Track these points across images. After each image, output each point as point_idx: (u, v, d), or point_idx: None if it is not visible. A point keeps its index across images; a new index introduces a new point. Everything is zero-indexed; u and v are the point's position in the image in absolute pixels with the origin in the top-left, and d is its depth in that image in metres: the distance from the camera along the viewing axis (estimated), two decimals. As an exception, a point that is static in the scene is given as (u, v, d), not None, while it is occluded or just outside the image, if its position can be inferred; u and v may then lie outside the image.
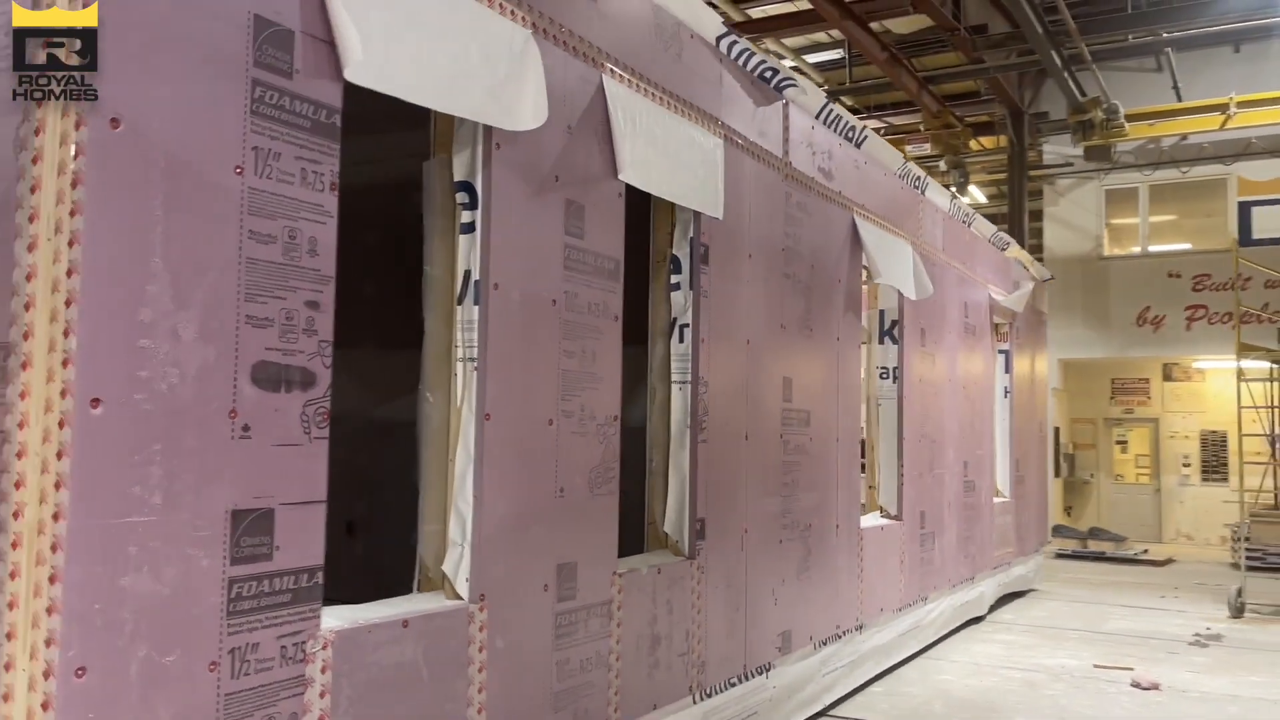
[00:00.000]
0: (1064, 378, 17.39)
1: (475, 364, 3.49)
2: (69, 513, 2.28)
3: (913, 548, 7.44)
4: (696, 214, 4.69)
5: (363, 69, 2.89)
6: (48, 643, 2.26)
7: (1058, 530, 14.97)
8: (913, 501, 7.40)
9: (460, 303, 3.53)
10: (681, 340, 4.71)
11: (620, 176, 4.09)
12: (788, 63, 15.30)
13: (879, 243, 6.62)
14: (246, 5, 2.68)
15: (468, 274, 3.52)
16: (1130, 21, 14.04)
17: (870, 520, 6.95)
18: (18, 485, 2.32)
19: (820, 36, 15.34)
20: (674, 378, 4.72)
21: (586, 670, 3.92)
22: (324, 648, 2.85)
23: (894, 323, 7.30)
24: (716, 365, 4.84)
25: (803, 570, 5.67)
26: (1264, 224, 15.74)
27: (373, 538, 5.72)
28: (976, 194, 19.09)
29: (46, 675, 2.25)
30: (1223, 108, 14.60)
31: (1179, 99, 15.48)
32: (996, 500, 9.85)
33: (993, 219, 11.57)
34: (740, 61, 5.00)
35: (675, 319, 4.73)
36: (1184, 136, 15.69)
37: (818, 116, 5.89)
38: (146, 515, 2.42)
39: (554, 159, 3.79)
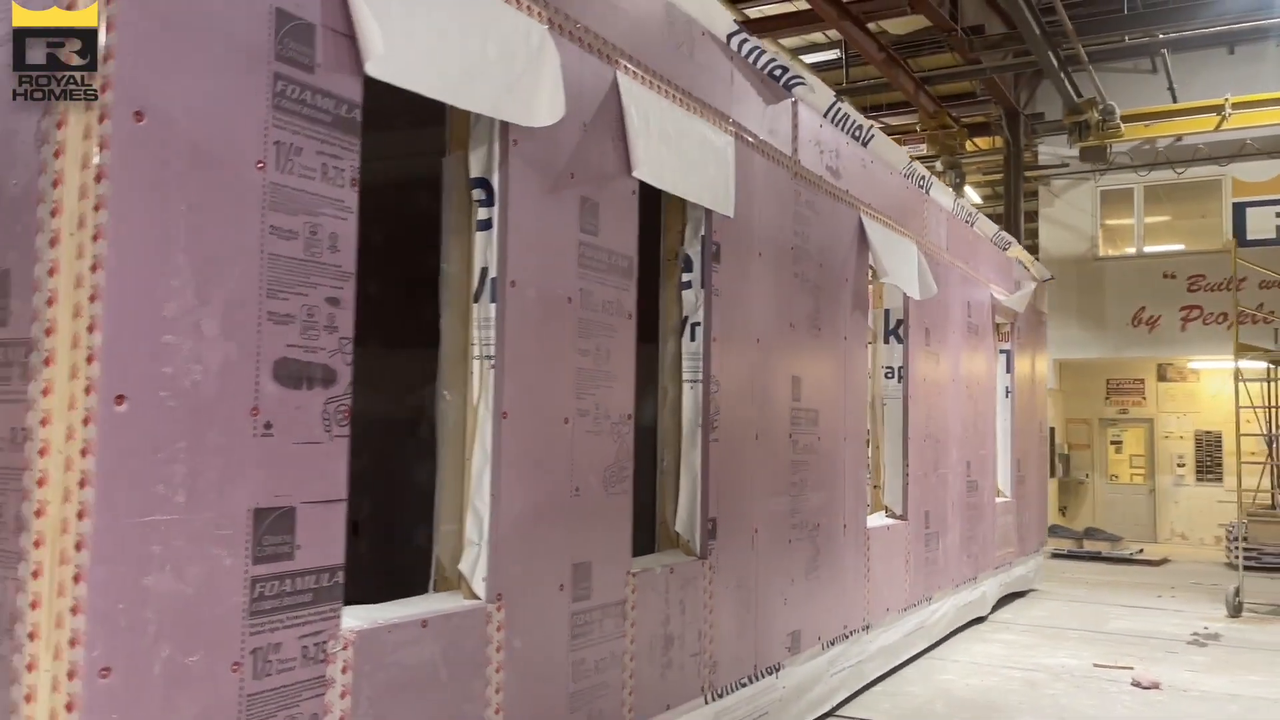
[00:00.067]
0: (1059, 378, 17.42)
1: (492, 362, 3.46)
2: (94, 511, 2.24)
3: (917, 548, 7.43)
4: (708, 212, 4.67)
5: (384, 63, 2.86)
6: (72, 643, 2.22)
7: (1053, 530, 14.99)
8: (917, 501, 7.39)
9: (477, 300, 3.51)
10: (693, 339, 4.69)
11: (635, 174, 4.07)
12: (785, 63, 15.25)
13: (885, 242, 6.62)
14: (269, -1, 2.65)
15: (484, 271, 3.49)
16: (1127, 22, 14.07)
17: (876, 520, 6.94)
18: (40, 483, 2.29)
19: (817, 37, 15.34)
20: (685, 377, 4.70)
21: (601, 670, 3.90)
22: (344, 648, 2.82)
23: (899, 322, 7.30)
24: (727, 364, 4.82)
25: (811, 570, 5.66)
26: (1258, 225, 15.81)
27: (376, 537, 5.70)
28: (972, 195, 19.13)
29: (71, 676, 2.22)
30: (1218, 109, 14.64)
31: (1174, 100, 15.52)
32: (998, 500, 9.86)
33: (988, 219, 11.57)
34: (750, 59, 4.99)
35: (686, 317, 4.71)
36: (1179, 138, 15.73)
37: (826, 115, 5.89)
38: (170, 514, 2.39)
39: (569, 155, 3.77)
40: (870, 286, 6.98)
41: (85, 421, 2.26)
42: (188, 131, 2.45)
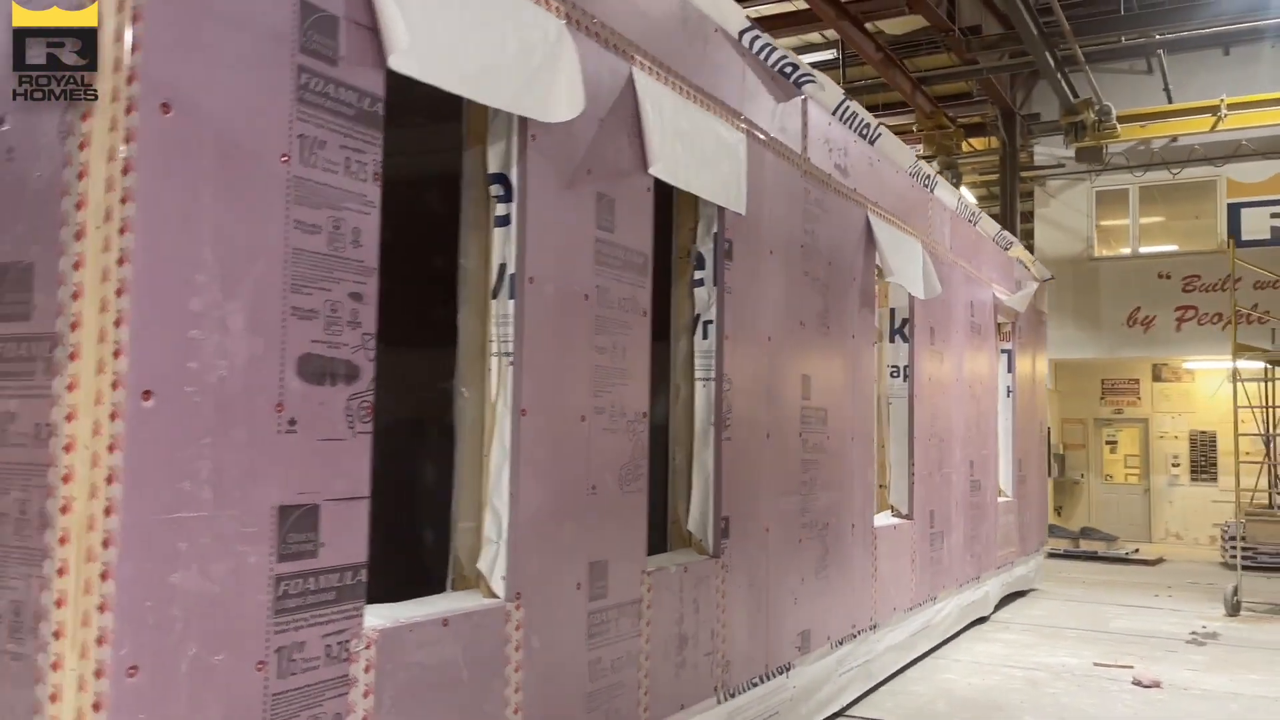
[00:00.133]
0: (1054, 378, 17.45)
1: (511, 359, 3.43)
2: (122, 507, 2.21)
3: (923, 547, 7.43)
4: (720, 209, 4.65)
5: (406, 57, 2.84)
6: (99, 641, 2.19)
7: (1050, 530, 15.00)
8: (923, 501, 7.39)
9: (495, 296, 3.48)
10: (705, 337, 4.67)
11: (650, 170, 4.05)
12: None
13: (891, 241, 6.61)
14: (293, -10, 2.62)
15: (503, 267, 3.47)
16: (1123, 23, 14.11)
17: (882, 519, 6.93)
18: (66, 479, 2.26)
19: (814, 37, 15.35)
20: (698, 375, 4.68)
21: (617, 670, 3.87)
22: (367, 647, 2.80)
23: (904, 321, 7.29)
24: (739, 362, 4.80)
25: (821, 569, 5.64)
26: (1253, 225, 15.86)
27: (377, 535, 5.65)
28: (967, 195, 19.14)
29: (98, 674, 2.19)
30: (1214, 109, 14.69)
31: (1169, 101, 15.56)
32: (1000, 500, 9.86)
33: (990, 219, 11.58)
34: (762, 56, 4.97)
35: (699, 315, 4.69)
36: (1174, 138, 15.77)
37: (834, 113, 5.88)
38: (196, 511, 2.36)
39: (585, 151, 3.74)
40: (875, 285, 6.97)
41: (113, 417, 2.23)
42: (214, 124, 2.42)
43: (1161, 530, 17.70)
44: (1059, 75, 13.68)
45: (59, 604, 2.24)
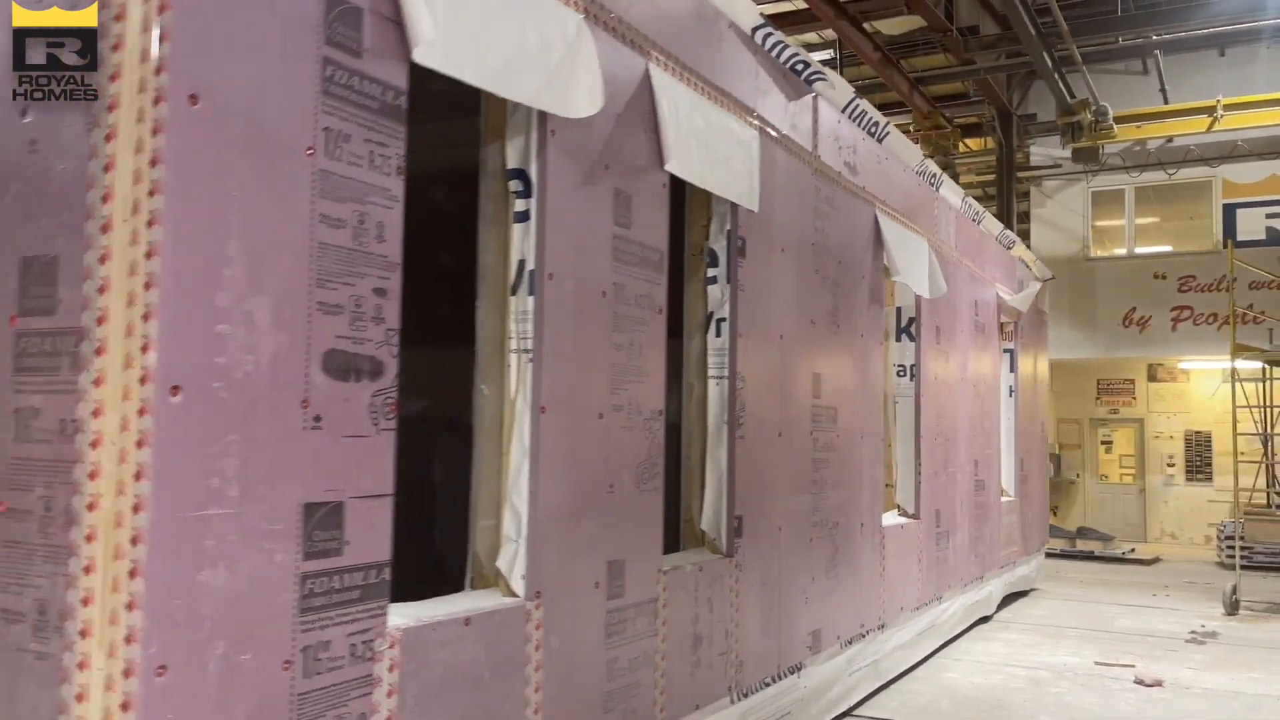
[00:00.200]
0: (1050, 378, 17.45)
1: (530, 356, 3.40)
2: (151, 505, 2.18)
3: (929, 546, 7.41)
4: (734, 206, 4.63)
5: (431, 50, 2.81)
6: (128, 640, 2.16)
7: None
8: (929, 500, 7.37)
9: (514, 293, 3.45)
10: (719, 334, 4.65)
11: (667, 166, 4.02)
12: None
13: (899, 240, 6.60)
14: (319, -19, 2.59)
15: (522, 263, 3.44)
16: (1121, 24, 14.13)
17: (890, 519, 6.91)
18: (92, 475, 2.22)
19: (811, 37, 15.33)
20: (711, 372, 4.66)
21: (635, 669, 3.84)
22: (391, 646, 2.76)
23: (911, 320, 7.27)
24: (752, 360, 4.78)
25: (831, 568, 5.62)
26: (1248, 226, 15.91)
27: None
28: (964, 196, 19.14)
29: (127, 674, 2.15)
30: (1210, 110, 14.72)
31: (1165, 102, 15.60)
32: (1003, 500, 9.86)
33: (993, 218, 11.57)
34: (774, 53, 4.95)
35: (712, 313, 4.67)
36: (1170, 139, 15.81)
37: (844, 111, 5.86)
38: (223, 508, 2.33)
39: (603, 147, 3.72)
40: (884, 284, 6.96)
41: (141, 412, 2.19)
42: (240, 116, 2.39)
43: (1157, 530, 17.74)
44: (1056, 76, 13.70)
45: (85, 602, 2.20)
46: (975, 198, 20.26)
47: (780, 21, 13.71)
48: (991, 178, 17.74)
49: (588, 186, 3.64)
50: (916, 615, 7.18)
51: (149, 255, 2.22)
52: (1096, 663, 7.67)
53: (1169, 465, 17.85)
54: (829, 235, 5.65)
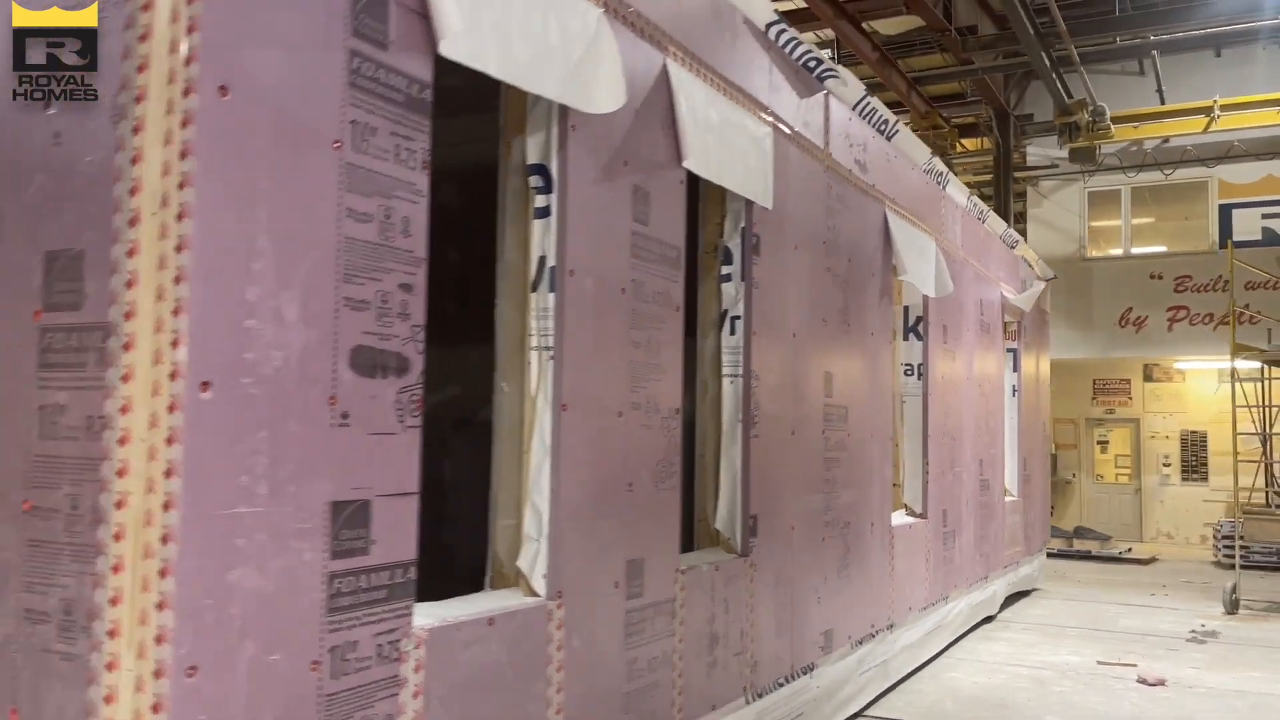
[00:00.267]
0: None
1: (551, 353, 3.37)
2: (182, 502, 2.14)
3: (936, 546, 7.39)
4: (748, 203, 4.60)
5: (457, 43, 2.77)
6: (158, 640, 2.11)
7: (1046, 530, 15.06)
8: (936, 500, 7.35)
9: (535, 289, 3.41)
10: (733, 333, 4.61)
11: (685, 163, 3.99)
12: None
13: (907, 238, 6.58)
14: (345, -28, 2.56)
15: (542, 259, 3.40)
16: (1118, 24, 14.15)
17: (898, 518, 6.89)
18: (121, 473, 2.18)
19: (808, 37, 15.31)
20: (725, 371, 4.63)
21: (653, 670, 3.81)
22: (417, 646, 2.73)
23: (918, 319, 7.25)
24: (766, 359, 4.75)
25: (842, 568, 5.60)
26: (1244, 226, 15.95)
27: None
28: (960, 196, 19.15)
29: (158, 675, 2.11)
30: (1207, 110, 14.75)
31: (1162, 102, 15.63)
32: (1006, 499, 9.85)
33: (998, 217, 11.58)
34: (787, 50, 4.93)
35: (726, 311, 4.64)
36: (1167, 139, 15.83)
37: (854, 108, 5.83)
38: (253, 506, 2.29)
39: (622, 142, 3.68)
40: (893, 283, 6.94)
41: (171, 409, 2.15)
42: (269, 107, 2.36)
43: (1152, 530, 17.76)
44: (1054, 76, 13.71)
45: (114, 602, 2.17)
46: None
47: (780, 21, 13.70)
48: (988, 178, 17.76)
49: (607, 182, 3.61)
50: (924, 615, 7.16)
51: (179, 249, 2.17)
52: (1099, 662, 7.67)
53: (1164, 465, 17.87)
54: (840, 233, 5.63)
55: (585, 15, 3.40)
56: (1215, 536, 14.70)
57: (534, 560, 3.32)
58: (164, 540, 2.13)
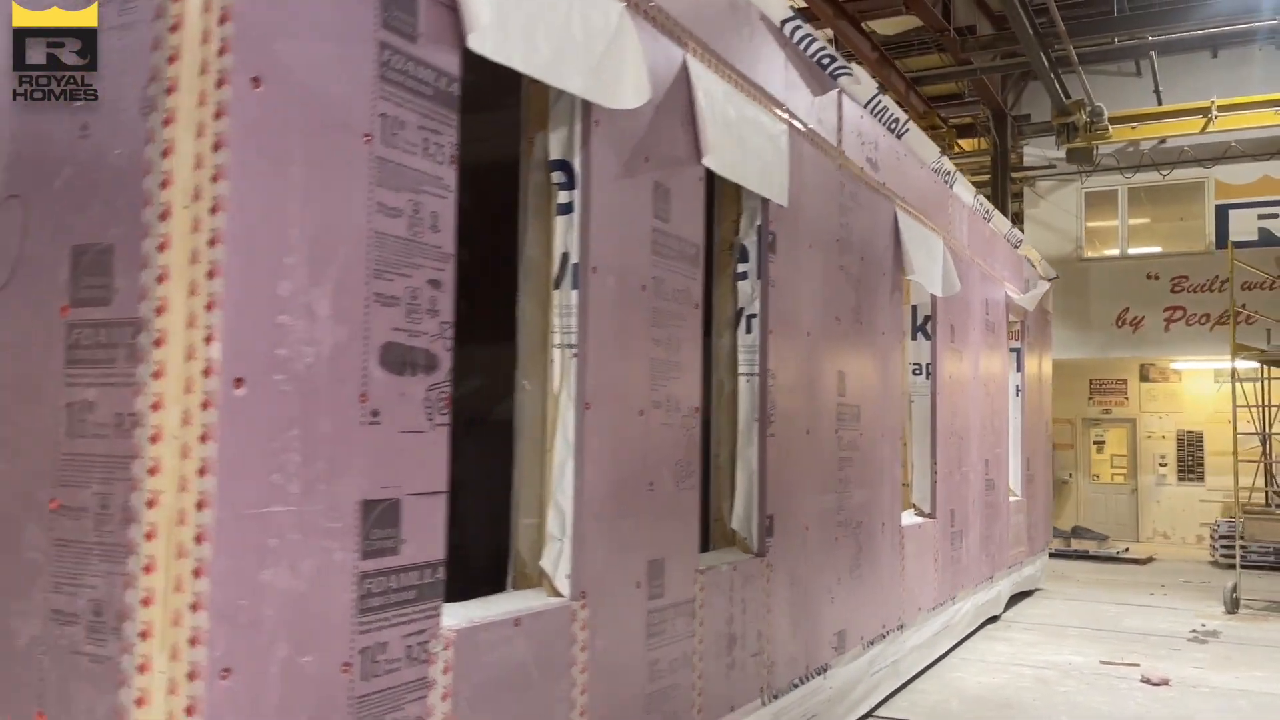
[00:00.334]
0: (1045, 378, 17.52)
1: (574, 351, 3.33)
2: (216, 501, 2.09)
3: (944, 546, 7.37)
4: (764, 201, 4.57)
5: (485, 36, 2.73)
6: (192, 641, 2.07)
7: (1044, 530, 15.06)
8: (944, 499, 7.33)
9: (557, 286, 3.38)
10: (749, 331, 4.58)
11: (704, 160, 3.95)
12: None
13: (915, 237, 6.55)
14: (374, -34, 2.52)
15: (565, 256, 3.37)
16: (1117, 24, 14.17)
17: (908, 518, 6.87)
18: (152, 471, 2.14)
19: (808, 36, 15.29)
20: (741, 369, 4.59)
21: (674, 671, 3.78)
22: (446, 648, 2.69)
23: (926, 318, 7.23)
24: (782, 357, 4.72)
25: (854, 568, 5.57)
26: (1241, 226, 15.98)
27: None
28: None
29: (192, 677, 2.07)
30: (1205, 111, 14.78)
31: (1159, 103, 15.66)
32: (1010, 499, 9.84)
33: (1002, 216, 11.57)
34: (802, 46, 4.89)
35: (742, 309, 4.61)
36: (1163, 140, 15.86)
37: (866, 106, 5.81)
38: (285, 505, 2.25)
39: (643, 138, 3.65)
40: (903, 282, 6.91)
41: (204, 405, 2.11)
42: (302, 100, 2.32)
43: (1149, 529, 17.79)
44: (1052, 76, 13.72)
45: (146, 603, 2.12)
46: (968, 198, 20.37)
47: (779, 21, 13.68)
48: (986, 178, 17.74)
49: (629, 178, 3.57)
50: (933, 615, 7.14)
51: (212, 243, 2.13)
52: (1102, 662, 7.66)
53: (1161, 465, 17.89)
54: (853, 231, 5.60)
55: (608, 10, 3.36)
56: (1213, 536, 14.71)
57: (557, 560, 3.28)
58: (198, 540, 2.09)
